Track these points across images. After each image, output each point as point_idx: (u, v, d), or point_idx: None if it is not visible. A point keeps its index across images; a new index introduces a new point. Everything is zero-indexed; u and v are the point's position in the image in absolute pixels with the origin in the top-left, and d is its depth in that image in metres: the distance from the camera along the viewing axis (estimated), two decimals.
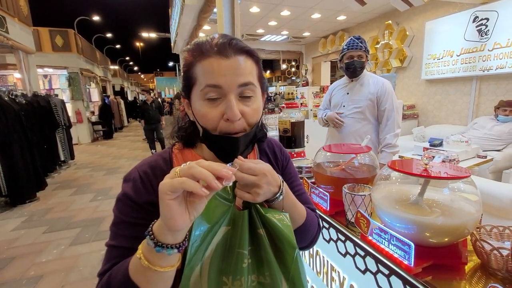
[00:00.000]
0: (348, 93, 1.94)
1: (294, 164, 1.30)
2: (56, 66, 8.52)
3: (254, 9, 4.51)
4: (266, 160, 0.67)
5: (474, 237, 0.69)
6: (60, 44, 8.41)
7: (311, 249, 1.17)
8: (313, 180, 1.15)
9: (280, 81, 13.38)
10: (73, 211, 3.52)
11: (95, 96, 11.55)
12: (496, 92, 3.56)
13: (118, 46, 20.09)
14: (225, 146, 0.51)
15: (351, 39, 1.85)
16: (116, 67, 17.99)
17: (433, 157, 2.13)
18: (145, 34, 17.08)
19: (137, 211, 0.52)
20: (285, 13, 4.74)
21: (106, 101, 10.43)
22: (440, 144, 2.65)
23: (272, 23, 5.34)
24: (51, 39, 8.23)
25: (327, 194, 0.99)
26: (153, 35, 15.78)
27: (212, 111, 0.50)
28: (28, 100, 4.54)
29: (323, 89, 6.51)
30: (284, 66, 8.73)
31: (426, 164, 0.72)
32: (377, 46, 5.09)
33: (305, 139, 1.58)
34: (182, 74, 0.56)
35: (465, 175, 0.66)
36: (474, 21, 3.58)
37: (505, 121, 3.03)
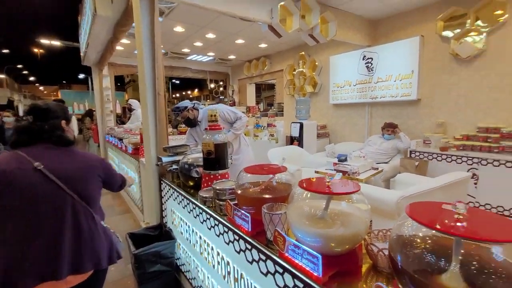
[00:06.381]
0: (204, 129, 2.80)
1: (218, 187, 1.30)
2: None
3: (179, 29, 4.47)
4: None
5: (366, 242, 0.81)
6: None
7: (235, 273, 1.16)
8: (235, 202, 1.16)
9: (208, 100, 13.41)
10: None
11: None
12: (382, 116, 4.46)
13: (5, 50, 16.44)
14: None
15: (175, 107, 2.58)
16: (2, 75, 14.60)
17: (337, 173, 2.49)
18: (45, 41, 14.35)
19: None
20: (210, 35, 4.86)
21: None
22: (345, 159, 3.11)
23: (198, 44, 5.39)
24: None
25: (248, 215, 1.02)
26: (56, 43, 13.57)
27: None
28: None
29: (249, 109, 6.85)
30: (212, 86, 8.82)
31: (328, 182, 0.83)
32: (294, 73, 5.73)
33: (230, 160, 1.60)
34: None
35: (356, 190, 0.79)
36: (363, 59, 4.47)
37: (389, 139, 3.80)
